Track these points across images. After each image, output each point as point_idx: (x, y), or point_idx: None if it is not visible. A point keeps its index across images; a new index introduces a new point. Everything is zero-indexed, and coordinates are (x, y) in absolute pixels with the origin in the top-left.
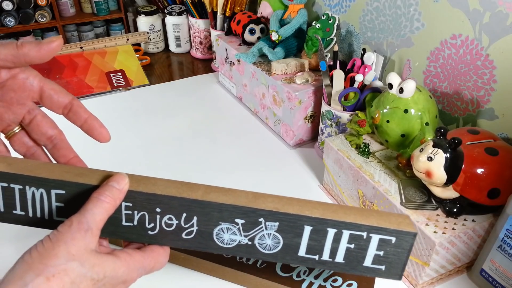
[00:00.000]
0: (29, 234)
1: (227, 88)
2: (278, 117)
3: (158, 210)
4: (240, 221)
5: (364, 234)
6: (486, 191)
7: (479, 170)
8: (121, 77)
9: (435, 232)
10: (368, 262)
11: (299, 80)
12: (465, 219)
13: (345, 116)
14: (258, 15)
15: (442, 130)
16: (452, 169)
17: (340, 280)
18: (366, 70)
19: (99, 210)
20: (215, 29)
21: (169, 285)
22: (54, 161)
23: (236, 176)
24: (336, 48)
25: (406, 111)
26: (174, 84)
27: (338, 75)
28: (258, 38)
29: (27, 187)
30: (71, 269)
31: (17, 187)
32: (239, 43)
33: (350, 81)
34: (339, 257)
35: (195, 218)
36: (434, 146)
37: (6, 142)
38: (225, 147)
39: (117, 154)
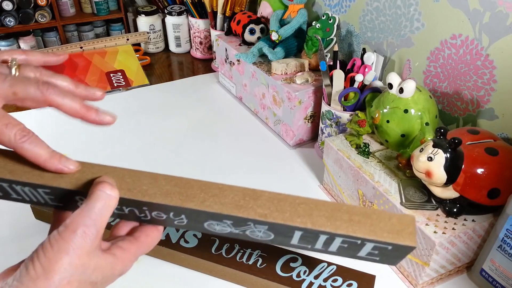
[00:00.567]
0: (29, 234)
1: (227, 88)
2: (278, 117)
3: (145, 208)
4: (229, 221)
5: (359, 241)
6: (486, 191)
7: (479, 170)
8: (121, 77)
9: (435, 232)
10: (362, 253)
11: (299, 80)
12: (465, 219)
13: (345, 116)
14: (258, 15)
15: (442, 130)
16: (452, 169)
17: (340, 280)
18: (366, 70)
19: (106, 211)
20: (215, 29)
21: (169, 285)
22: None
23: (236, 176)
24: (336, 48)
25: (406, 111)
26: (174, 84)
27: (338, 75)
28: (258, 38)
29: (13, 185)
30: (74, 279)
31: (4, 184)
32: (239, 43)
33: (350, 81)
34: (332, 249)
35: (183, 215)
36: (434, 146)
37: None
38: (225, 147)
39: (116, 154)
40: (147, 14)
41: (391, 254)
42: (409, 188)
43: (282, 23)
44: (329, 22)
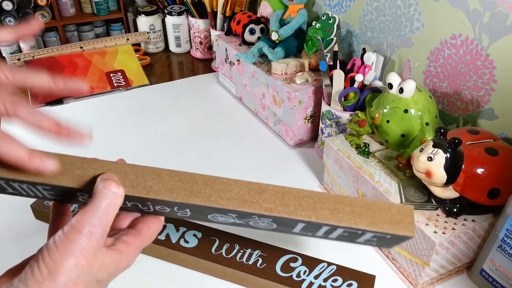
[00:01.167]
0: (29, 234)
1: (227, 88)
2: (278, 117)
3: (149, 202)
4: (234, 214)
5: (359, 231)
6: (486, 191)
7: (479, 170)
8: (121, 77)
9: (435, 232)
10: (361, 240)
11: (299, 80)
12: (465, 219)
13: (345, 116)
14: (258, 15)
15: (442, 130)
16: (452, 169)
17: (340, 280)
18: (366, 70)
19: (112, 209)
20: (215, 29)
21: (169, 285)
22: None
23: (236, 176)
24: (336, 48)
25: (406, 111)
26: (174, 84)
27: (338, 75)
28: (258, 38)
29: (10, 182)
30: (80, 280)
31: (1, 182)
32: (239, 43)
33: (350, 81)
34: (333, 236)
35: (187, 209)
36: (434, 146)
37: None
38: (225, 147)
39: (116, 154)
40: (147, 14)
41: (389, 241)
42: (409, 188)
43: (282, 23)
44: (329, 22)
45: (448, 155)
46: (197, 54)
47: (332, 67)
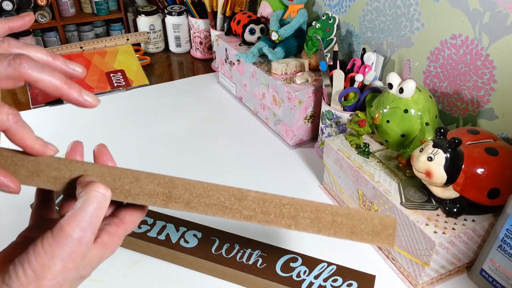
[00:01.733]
0: None
1: (227, 88)
2: (278, 117)
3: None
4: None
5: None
6: (486, 191)
7: (479, 170)
8: (121, 77)
9: (435, 232)
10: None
11: (299, 80)
12: (465, 219)
13: (345, 116)
14: (258, 15)
15: (442, 130)
16: (452, 169)
17: (340, 280)
18: (366, 70)
19: (101, 212)
20: (215, 29)
21: (169, 285)
22: None
23: (236, 176)
24: (336, 48)
25: (406, 111)
26: (174, 84)
27: (338, 75)
28: (258, 38)
29: None
30: (66, 281)
31: None
32: (239, 43)
33: (350, 81)
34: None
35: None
36: (434, 146)
37: None
38: (225, 147)
39: (116, 154)
40: (147, 14)
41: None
42: (409, 188)
43: (282, 23)
44: (329, 22)
45: (448, 155)
46: (197, 54)
47: (332, 67)
